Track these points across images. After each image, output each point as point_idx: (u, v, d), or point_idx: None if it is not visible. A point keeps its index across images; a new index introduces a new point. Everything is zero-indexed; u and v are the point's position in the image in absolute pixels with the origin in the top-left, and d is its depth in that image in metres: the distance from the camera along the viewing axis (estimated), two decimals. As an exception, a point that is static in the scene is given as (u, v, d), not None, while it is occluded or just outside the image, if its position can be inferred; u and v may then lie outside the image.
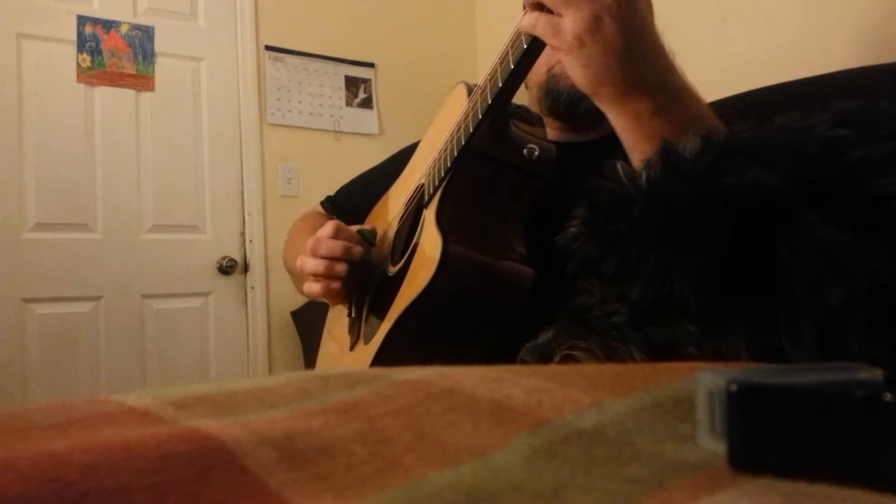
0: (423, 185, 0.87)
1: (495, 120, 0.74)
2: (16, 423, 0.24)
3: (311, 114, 2.60)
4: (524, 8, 0.66)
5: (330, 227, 0.88)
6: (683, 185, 0.37)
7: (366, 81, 2.72)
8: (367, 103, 2.72)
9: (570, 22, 0.58)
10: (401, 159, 1.10)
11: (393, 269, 0.87)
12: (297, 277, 1.13)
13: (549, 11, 0.61)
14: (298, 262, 0.91)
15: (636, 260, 0.37)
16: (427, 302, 0.71)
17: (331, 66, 2.65)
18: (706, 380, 0.23)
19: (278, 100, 2.54)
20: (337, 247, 0.87)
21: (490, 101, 0.70)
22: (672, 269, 0.36)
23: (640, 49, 0.60)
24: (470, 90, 0.83)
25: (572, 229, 0.43)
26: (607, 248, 0.40)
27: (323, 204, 1.23)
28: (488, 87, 0.72)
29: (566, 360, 0.41)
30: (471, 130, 0.74)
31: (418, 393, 0.27)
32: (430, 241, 0.75)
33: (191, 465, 0.20)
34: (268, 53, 2.53)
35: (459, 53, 2.95)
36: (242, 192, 2.47)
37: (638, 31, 0.59)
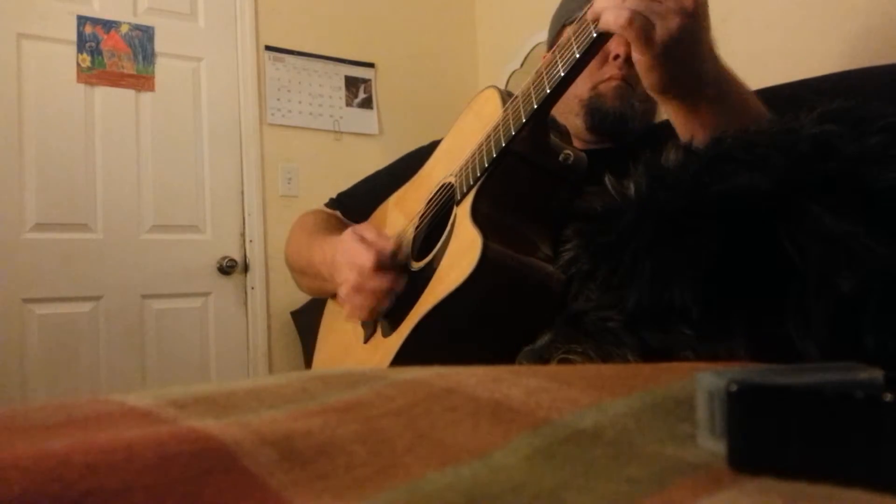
0: (450, 184, 0.87)
1: (536, 125, 0.76)
2: (16, 423, 0.24)
3: (311, 114, 2.60)
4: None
5: (371, 259, 0.86)
6: (673, 194, 0.38)
7: (366, 81, 2.72)
8: (367, 103, 2.71)
9: (661, 30, 0.64)
10: (410, 163, 1.10)
11: (417, 265, 0.87)
12: (301, 274, 1.13)
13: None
14: (342, 298, 0.90)
15: (629, 269, 0.38)
16: (463, 296, 0.71)
17: (331, 66, 2.65)
18: (706, 380, 0.23)
19: (278, 100, 2.54)
20: (383, 286, 0.86)
21: (536, 106, 0.72)
22: (671, 277, 0.36)
23: (707, 52, 0.69)
24: (503, 95, 0.85)
25: (566, 255, 0.43)
26: (598, 259, 0.41)
27: (329, 205, 1.22)
28: (533, 92, 0.74)
29: (562, 363, 0.41)
30: (512, 133, 0.75)
31: (418, 393, 0.27)
32: (466, 237, 0.75)
33: (191, 465, 0.20)
34: (268, 53, 2.53)
35: (459, 53, 2.95)
36: (242, 192, 2.47)
37: (707, 35, 0.68)
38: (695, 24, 0.65)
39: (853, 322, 0.31)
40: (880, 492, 0.19)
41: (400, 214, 1.02)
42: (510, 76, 2.69)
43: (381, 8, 2.78)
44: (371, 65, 2.73)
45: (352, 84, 2.69)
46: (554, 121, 0.82)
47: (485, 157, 0.79)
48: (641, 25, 0.63)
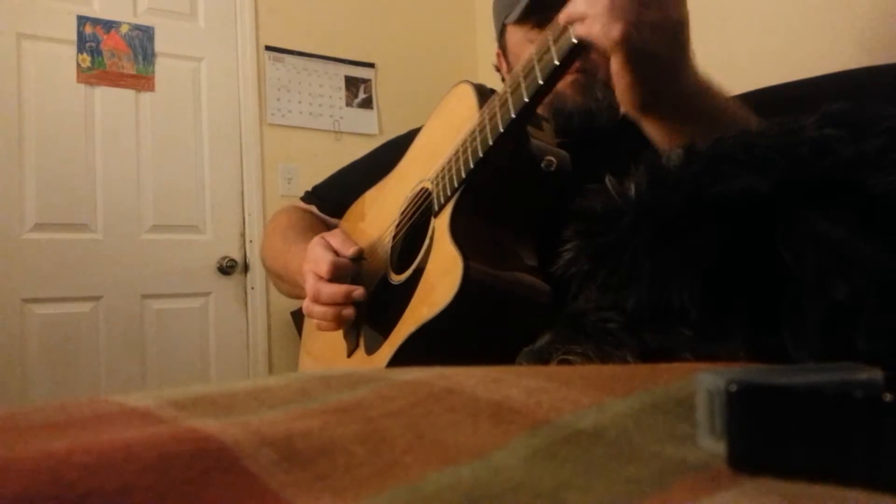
0: (427, 191, 0.85)
1: (516, 133, 0.72)
2: (16, 423, 0.24)
3: (310, 114, 2.60)
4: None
5: (325, 267, 0.84)
6: (673, 195, 0.38)
7: (366, 81, 2.72)
8: (367, 103, 2.72)
9: (649, 43, 0.58)
10: (386, 154, 1.07)
11: (397, 278, 0.85)
12: (279, 278, 1.11)
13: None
14: (305, 310, 0.89)
15: (629, 270, 0.38)
16: (446, 319, 0.69)
17: (331, 66, 2.65)
18: (706, 380, 0.23)
19: (278, 100, 2.54)
20: (339, 294, 0.84)
21: (514, 116, 0.68)
22: (670, 279, 0.36)
23: (689, 64, 0.63)
24: (480, 92, 0.81)
25: (567, 255, 0.43)
26: (598, 259, 0.40)
27: (305, 199, 1.20)
28: (510, 99, 0.69)
29: (562, 364, 0.41)
30: (490, 143, 0.71)
31: (418, 393, 0.27)
32: (446, 256, 0.73)
33: (191, 465, 0.20)
34: (268, 53, 2.54)
35: (459, 53, 2.95)
36: (242, 192, 2.47)
37: (689, 45, 0.62)
38: (683, 35, 0.60)
39: (846, 328, 0.31)
40: (880, 492, 0.19)
41: (377, 216, 0.99)
42: (510, 76, 2.69)
43: (381, 8, 2.78)
44: (371, 65, 2.73)
45: (352, 84, 2.69)
46: (535, 116, 0.77)
47: (462, 168, 0.75)
48: (633, 40, 0.56)
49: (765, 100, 1.25)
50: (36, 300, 2.13)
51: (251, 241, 2.45)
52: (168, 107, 2.36)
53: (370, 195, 1.06)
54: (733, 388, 0.21)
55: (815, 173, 0.34)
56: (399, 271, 0.86)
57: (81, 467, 0.19)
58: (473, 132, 0.75)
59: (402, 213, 0.91)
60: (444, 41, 2.92)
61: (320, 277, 0.85)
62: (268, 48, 2.54)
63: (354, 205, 1.09)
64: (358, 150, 2.86)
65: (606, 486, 0.20)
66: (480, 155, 0.73)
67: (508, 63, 1.04)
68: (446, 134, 0.85)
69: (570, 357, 0.40)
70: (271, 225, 1.18)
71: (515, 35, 1.00)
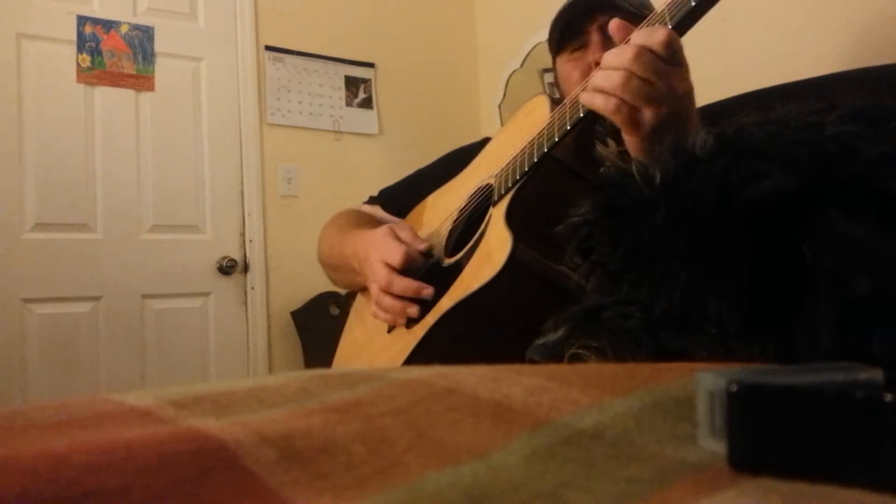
0: (490, 185, 0.89)
1: (581, 135, 0.76)
2: (16, 423, 0.24)
3: (310, 114, 2.60)
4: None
5: (398, 258, 0.88)
6: (703, 192, 0.36)
7: (366, 81, 2.72)
8: (367, 103, 2.71)
9: (648, 116, 0.66)
10: (454, 160, 1.12)
11: (448, 261, 0.89)
12: (334, 270, 1.15)
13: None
14: (374, 297, 0.92)
15: (661, 275, 0.37)
16: (488, 294, 0.72)
17: (331, 66, 2.65)
18: (706, 380, 0.23)
19: (278, 100, 2.54)
20: (410, 289, 0.88)
21: (581, 115, 0.73)
22: (706, 288, 0.35)
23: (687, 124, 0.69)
24: (554, 103, 0.87)
25: (575, 219, 0.43)
26: (627, 259, 0.39)
27: (368, 201, 1.24)
28: (580, 101, 0.74)
29: (575, 358, 0.40)
30: (556, 139, 0.76)
31: (418, 392, 0.27)
32: (497, 237, 0.77)
33: (191, 464, 0.20)
34: (268, 53, 2.53)
35: (459, 53, 2.95)
36: (242, 192, 2.46)
37: (693, 113, 0.69)
38: (682, 107, 0.66)
39: (860, 327, 0.31)
40: (880, 492, 0.19)
41: (438, 212, 1.04)
42: (510, 76, 2.69)
43: (381, 8, 2.78)
44: (371, 65, 2.73)
45: (352, 84, 2.69)
46: (600, 132, 0.82)
47: (525, 161, 0.79)
48: (628, 113, 0.65)
49: (765, 100, 1.25)
50: (36, 300, 2.12)
51: (251, 241, 2.45)
52: (168, 107, 2.35)
53: (434, 196, 1.10)
54: (734, 388, 0.21)
55: (841, 172, 0.34)
56: (452, 256, 0.90)
57: (81, 466, 0.19)
58: (542, 131, 0.80)
59: (464, 204, 0.95)
60: (444, 41, 2.92)
61: (392, 268, 0.89)
62: (268, 48, 2.54)
63: (418, 206, 1.13)
64: (358, 150, 2.86)
65: (607, 486, 0.20)
66: (545, 150, 0.77)
67: (561, 90, 1.12)
68: (516, 139, 0.89)
69: (584, 352, 0.40)
70: (328, 224, 1.22)
71: (563, 65, 1.08)
